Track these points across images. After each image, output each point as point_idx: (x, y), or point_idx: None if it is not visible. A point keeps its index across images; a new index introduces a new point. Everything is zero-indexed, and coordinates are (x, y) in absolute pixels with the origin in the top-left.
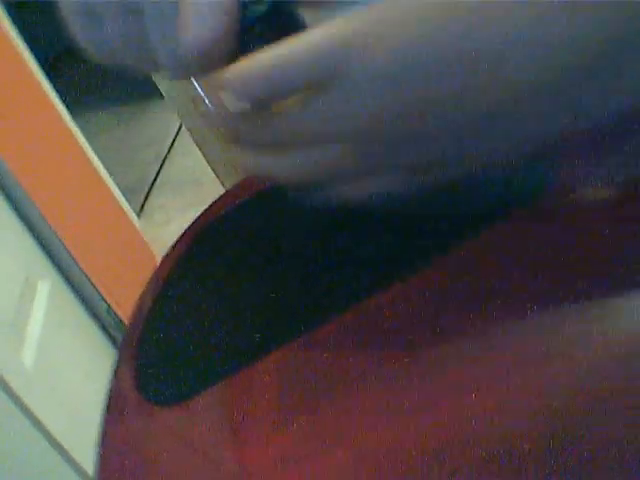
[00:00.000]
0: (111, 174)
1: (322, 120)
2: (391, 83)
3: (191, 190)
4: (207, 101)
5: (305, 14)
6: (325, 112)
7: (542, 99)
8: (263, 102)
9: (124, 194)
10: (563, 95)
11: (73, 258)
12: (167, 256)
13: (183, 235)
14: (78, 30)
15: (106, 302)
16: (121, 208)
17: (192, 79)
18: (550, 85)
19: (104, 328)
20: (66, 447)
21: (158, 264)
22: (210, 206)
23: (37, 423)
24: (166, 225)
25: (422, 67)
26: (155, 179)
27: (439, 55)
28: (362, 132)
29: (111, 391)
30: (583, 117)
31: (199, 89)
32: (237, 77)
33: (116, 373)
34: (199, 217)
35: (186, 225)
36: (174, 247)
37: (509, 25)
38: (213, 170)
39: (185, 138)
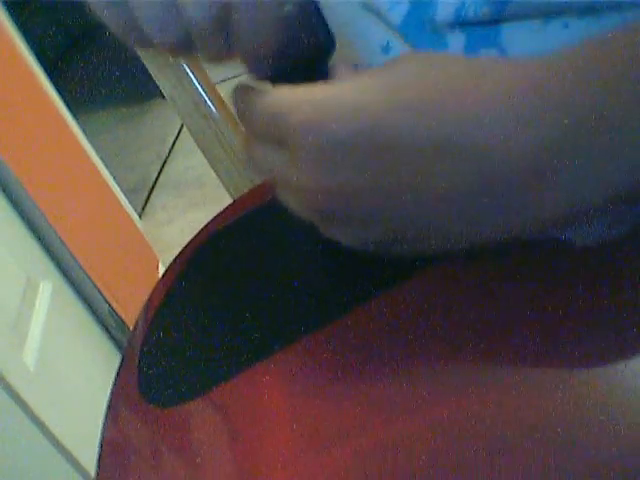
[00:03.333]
0: (113, 174)
1: (271, 170)
2: (331, 164)
3: (193, 190)
4: (210, 104)
5: None
6: (272, 165)
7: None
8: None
9: (126, 194)
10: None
11: (75, 259)
12: (174, 262)
13: (190, 242)
14: (104, 8)
15: (107, 303)
16: (123, 208)
17: (195, 82)
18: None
19: (106, 329)
20: (68, 447)
21: (165, 270)
22: (217, 215)
23: (39, 423)
24: (168, 225)
25: (370, 151)
26: (157, 179)
27: (396, 142)
28: (303, 196)
29: (114, 392)
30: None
31: (202, 92)
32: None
33: (119, 374)
34: (206, 226)
35: (188, 225)
36: (181, 253)
37: (475, 123)
38: (214, 170)
39: (186, 138)
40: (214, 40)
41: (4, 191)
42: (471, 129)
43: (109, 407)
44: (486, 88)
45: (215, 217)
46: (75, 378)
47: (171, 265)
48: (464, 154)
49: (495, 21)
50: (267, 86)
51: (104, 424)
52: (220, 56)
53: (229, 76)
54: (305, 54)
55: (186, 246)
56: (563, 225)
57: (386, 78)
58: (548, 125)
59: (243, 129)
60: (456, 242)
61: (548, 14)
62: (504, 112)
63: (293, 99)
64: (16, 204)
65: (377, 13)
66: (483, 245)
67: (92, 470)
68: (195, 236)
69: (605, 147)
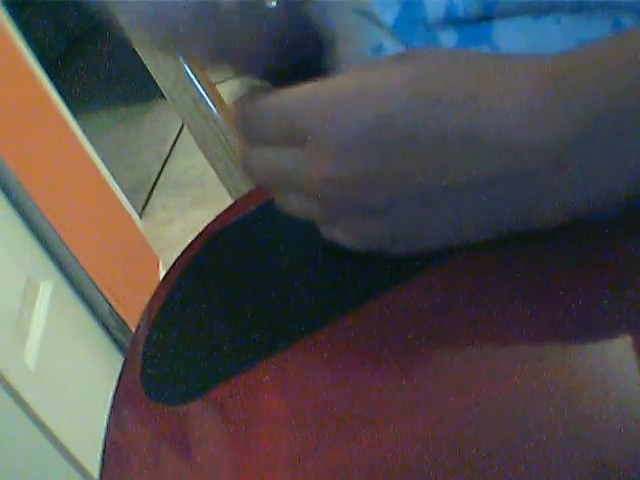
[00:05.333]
0: (113, 174)
1: (284, 169)
2: (354, 153)
3: (193, 190)
4: (210, 103)
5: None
6: (286, 164)
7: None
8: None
9: (126, 194)
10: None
11: (75, 259)
12: (175, 263)
13: (191, 243)
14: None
15: (108, 302)
16: (123, 208)
17: (195, 81)
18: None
19: (106, 328)
20: (69, 447)
21: (167, 271)
22: (219, 216)
23: (39, 423)
24: (168, 225)
25: (386, 143)
26: (157, 179)
27: (412, 132)
28: (320, 190)
29: (117, 392)
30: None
31: (202, 92)
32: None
33: (122, 374)
34: (207, 226)
35: (188, 225)
36: (182, 254)
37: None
38: (215, 170)
39: (187, 138)
40: (197, 42)
41: (4, 191)
42: (495, 120)
43: (112, 406)
44: (508, 82)
45: (216, 218)
46: (75, 378)
47: (172, 266)
48: (488, 143)
49: (486, 18)
50: (270, 88)
51: (108, 423)
52: (209, 60)
53: (229, 76)
54: (302, 53)
55: (187, 247)
56: (580, 216)
57: (408, 68)
58: (568, 119)
59: (242, 139)
60: (467, 236)
61: (538, 11)
62: (527, 105)
63: (307, 94)
64: (16, 204)
65: (370, 16)
66: (489, 241)
67: (92, 470)
68: (196, 237)
69: (623, 141)
